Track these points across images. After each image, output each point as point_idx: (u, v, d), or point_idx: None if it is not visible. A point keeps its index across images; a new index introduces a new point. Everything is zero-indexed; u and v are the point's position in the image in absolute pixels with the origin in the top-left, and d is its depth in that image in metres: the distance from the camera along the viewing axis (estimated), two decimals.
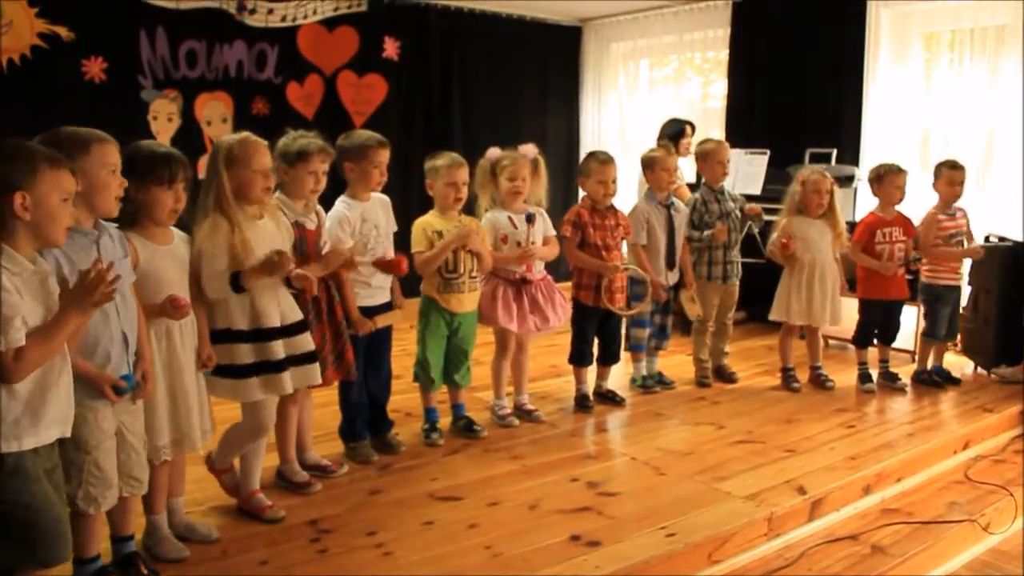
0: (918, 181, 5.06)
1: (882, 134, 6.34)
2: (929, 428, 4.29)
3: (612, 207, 4.37)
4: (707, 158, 4.90)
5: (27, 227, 2.05)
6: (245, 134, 2.93)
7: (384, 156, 3.54)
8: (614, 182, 4.30)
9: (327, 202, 3.51)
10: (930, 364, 5.05)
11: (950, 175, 4.79)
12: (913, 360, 5.28)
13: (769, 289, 4.96)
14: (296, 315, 3.04)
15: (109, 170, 2.36)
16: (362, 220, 3.51)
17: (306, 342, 3.06)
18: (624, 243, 4.48)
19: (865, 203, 5.79)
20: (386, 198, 3.68)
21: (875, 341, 4.98)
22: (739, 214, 4.90)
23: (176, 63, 6.22)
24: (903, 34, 6.27)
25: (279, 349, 2.93)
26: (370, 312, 3.53)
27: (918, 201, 5.02)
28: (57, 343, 2.07)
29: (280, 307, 2.98)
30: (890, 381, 4.92)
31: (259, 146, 2.93)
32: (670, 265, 4.68)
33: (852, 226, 5.03)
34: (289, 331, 2.99)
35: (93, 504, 2.40)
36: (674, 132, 6.05)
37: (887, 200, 4.78)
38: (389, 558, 2.83)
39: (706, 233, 4.75)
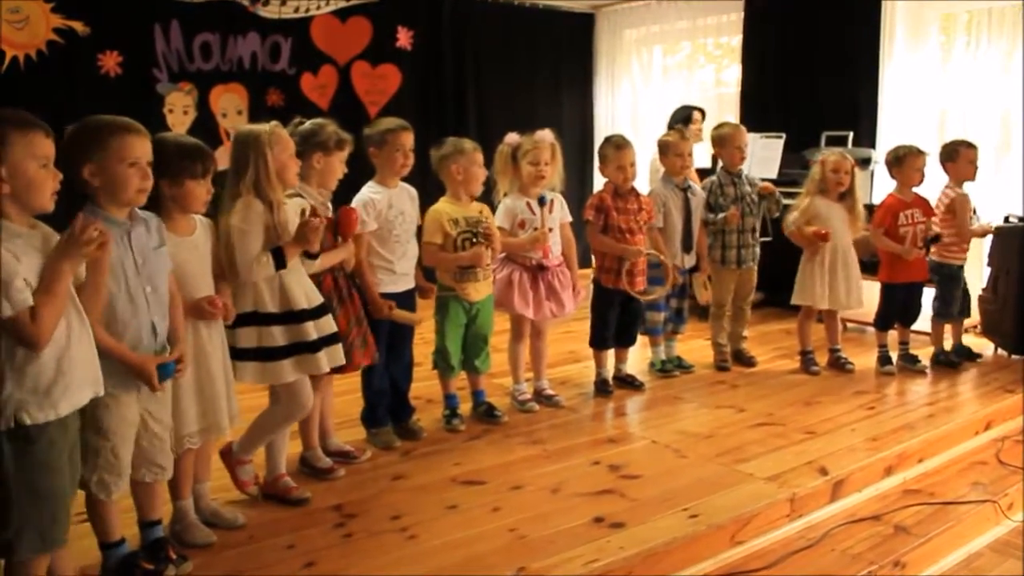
0: (936, 163, 5.03)
1: (899, 116, 6.31)
2: (950, 409, 4.28)
3: (635, 191, 4.37)
4: (724, 143, 4.88)
5: (8, 197, 2.00)
6: (275, 121, 2.95)
7: (407, 140, 3.56)
8: (632, 165, 4.29)
9: (358, 189, 3.57)
10: (948, 344, 5.04)
11: (968, 154, 4.77)
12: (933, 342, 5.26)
13: (786, 272, 4.96)
14: (318, 297, 3.07)
15: (127, 164, 2.33)
16: (388, 206, 3.54)
17: (331, 323, 3.09)
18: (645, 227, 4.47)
19: (882, 186, 5.77)
20: (414, 191, 3.71)
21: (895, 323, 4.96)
22: (755, 198, 4.89)
23: (191, 56, 6.25)
24: (919, 15, 6.24)
25: (311, 330, 2.96)
26: (394, 298, 3.55)
27: (936, 183, 4.99)
28: (61, 295, 2.04)
29: (304, 289, 3.00)
30: (910, 363, 4.91)
31: (287, 134, 2.98)
32: (686, 248, 4.69)
33: (870, 209, 5.01)
34: (315, 313, 3.02)
35: (104, 491, 2.42)
36: (682, 118, 6.03)
37: (906, 182, 4.75)
38: (414, 541, 2.85)
39: (719, 216, 4.75)
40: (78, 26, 5.72)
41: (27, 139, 2.02)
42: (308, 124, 3.27)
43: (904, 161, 4.72)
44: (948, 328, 5.07)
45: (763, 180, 5.14)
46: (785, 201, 5.05)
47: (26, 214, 2.07)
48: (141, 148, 2.36)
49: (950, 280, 4.90)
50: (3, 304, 1.94)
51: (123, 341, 2.38)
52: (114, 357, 2.34)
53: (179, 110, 6.23)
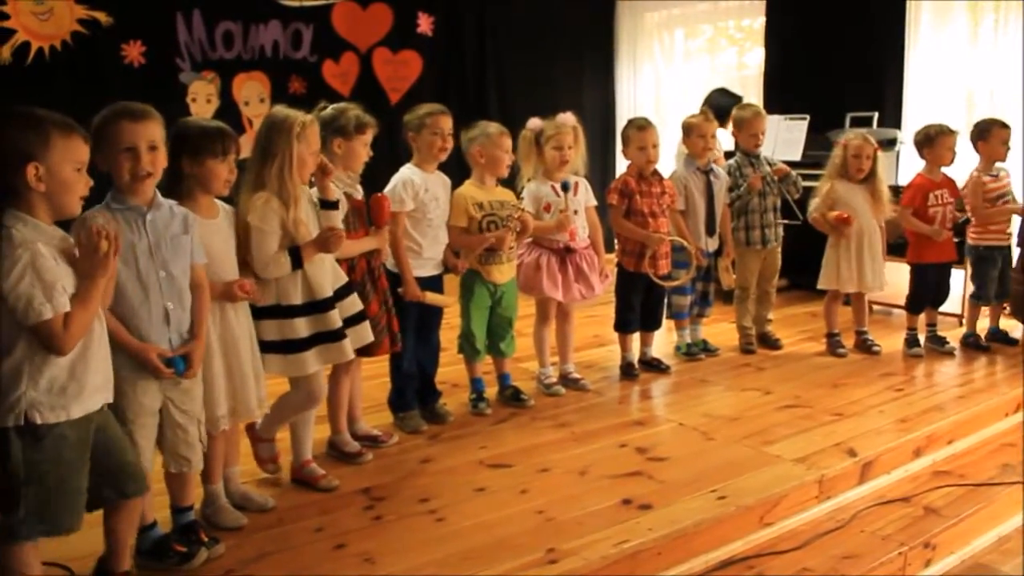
0: (964, 143, 4.97)
1: (925, 96, 6.24)
2: (979, 391, 4.24)
3: (658, 174, 4.36)
4: (742, 126, 4.87)
5: (42, 198, 2.05)
6: (311, 116, 2.94)
7: (445, 123, 3.59)
8: (655, 147, 4.27)
9: (380, 176, 3.56)
10: (984, 326, 4.99)
11: (1002, 134, 4.70)
12: (960, 324, 5.21)
13: (810, 256, 4.92)
14: (342, 278, 3.09)
15: (121, 149, 2.33)
16: (425, 189, 3.57)
17: (355, 303, 3.10)
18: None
19: (908, 167, 5.71)
20: (447, 179, 3.72)
21: None
22: (775, 178, 4.86)
23: (213, 45, 6.28)
24: None
25: (336, 318, 2.97)
26: (420, 282, 3.56)
27: (964, 163, 4.93)
28: (94, 307, 2.09)
29: (329, 275, 3.01)
30: (938, 345, 4.86)
31: (317, 129, 2.97)
32: (709, 231, 4.66)
33: (896, 190, 4.96)
34: (341, 294, 3.03)
35: None
36: (719, 106, 5.97)
37: (937, 162, 4.70)
38: (443, 524, 2.87)
39: (742, 188, 4.73)
40: (101, 17, 5.76)
41: (67, 142, 2.06)
42: (330, 109, 3.28)
43: (935, 140, 4.66)
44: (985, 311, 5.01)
45: (785, 162, 5.10)
46: (810, 184, 5.01)
47: (53, 216, 2.10)
48: (135, 133, 2.33)
49: (986, 262, 4.83)
50: (45, 306, 1.98)
51: (132, 325, 2.38)
52: (116, 340, 2.34)
53: (202, 99, 6.26)
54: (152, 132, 2.37)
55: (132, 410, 2.41)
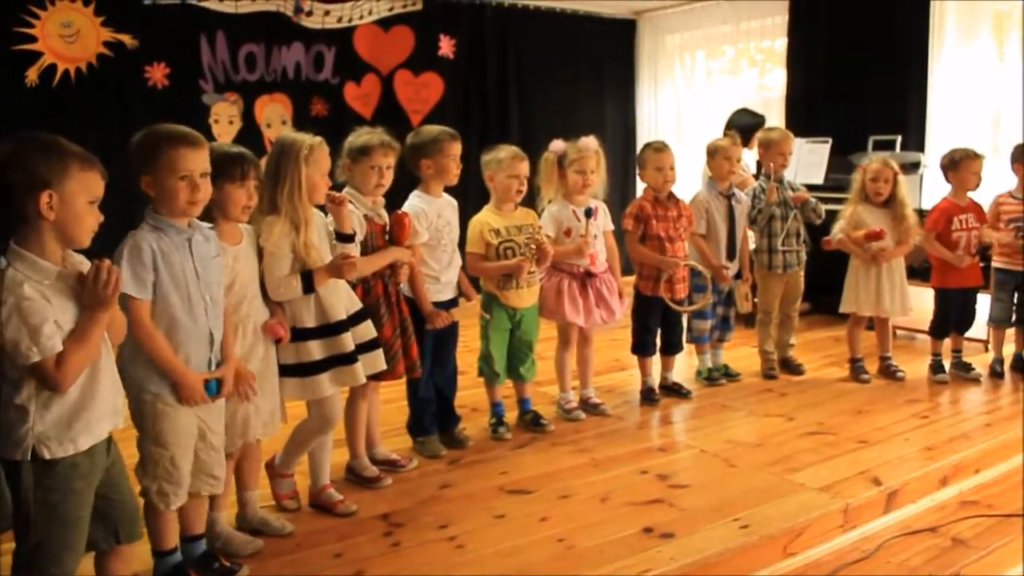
0: (990, 165, 4.91)
1: (949, 118, 6.18)
2: (1008, 418, 4.16)
3: (674, 197, 4.35)
4: (769, 147, 4.83)
5: (51, 227, 2.00)
6: (320, 138, 2.93)
7: (458, 148, 3.57)
8: (672, 169, 4.26)
9: (403, 198, 3.56)
10: (1010, 352, 4.91)
11: None
12: (986, 349, 5.14)
13: (834, 280, 4.87)
14: (356, 304, 3.08)
15: (178, 176, 2.33)
16: (437, 215, 3.55)
17: (369, 330, 3.09)
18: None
19: (932, 191, 5.66)
20: (455, 200, 3.70)
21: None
22: (796, 204, 4.82)
23: (236, 66, 6.32)
24: (971, 12, 6.10)
25: (349, 341, 2.96)
26: (440, 307, 3.55)
27: (991, 186, 4.88)
28: (94, 343, 2.04)
29: (343, 299, 3.00)
30: (963, 371, 4.80)
31: (327, 152, 2.97)
32: (730, 256, 4.63)
33: (920, 214, 4.91)
34: (355, 320, 3.02)
35: (164, 501, 2.43)
36: (745, 125, 5.95)
37: (962, 186, 4.65)
38: (462, 551, 2.84)
39: (762, 203, 4.70)
40: (126, 39, 5.82)
41: (85, 175, 2.04)
42: (351, 135, 3.29)
43: (960, 164, 4.61)
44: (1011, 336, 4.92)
45: (807, 186, 5.07)
46: (832, 207, 4.96)
47: (61, 247, 2.06)
48: (194, 160, 2.35)
49: (1006, 285, 4.75)
50: (32, 350, 1.94)
51: (183, 349, 2.39)
52: (168, 370, 2.35)
53: (224, 120, 6.30)
54: (205, 160, 2.38)
55: (174, 434, 2.41)
